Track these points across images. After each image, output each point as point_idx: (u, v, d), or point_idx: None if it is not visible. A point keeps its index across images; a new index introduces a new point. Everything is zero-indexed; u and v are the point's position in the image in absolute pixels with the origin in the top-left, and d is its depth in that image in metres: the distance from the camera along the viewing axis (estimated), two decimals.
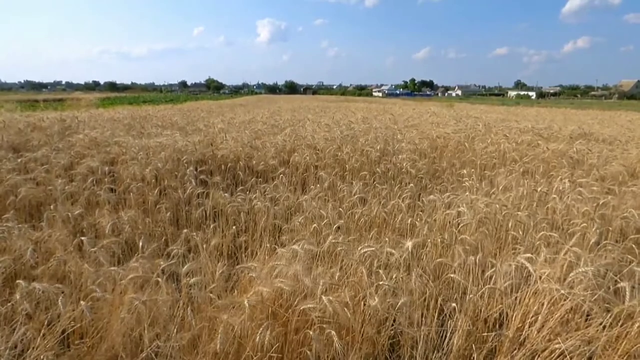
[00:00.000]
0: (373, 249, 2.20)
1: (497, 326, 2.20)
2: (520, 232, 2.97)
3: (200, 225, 3.60)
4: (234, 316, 1.76)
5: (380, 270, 2.19)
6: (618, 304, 1.87)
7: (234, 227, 3.35)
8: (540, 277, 2.05)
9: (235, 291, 2.24)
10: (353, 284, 2.09)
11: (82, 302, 1.86)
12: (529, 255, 2.20)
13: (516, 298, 2.12)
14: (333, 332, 1.69)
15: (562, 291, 1.90)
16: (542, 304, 1.97)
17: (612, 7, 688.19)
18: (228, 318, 1.74)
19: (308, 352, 1.80)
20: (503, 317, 2.20)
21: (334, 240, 2.40)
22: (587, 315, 1.95)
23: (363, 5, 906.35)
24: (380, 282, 2.04)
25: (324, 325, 1.78)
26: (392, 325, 2.08)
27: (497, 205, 3.18)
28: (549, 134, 8.54)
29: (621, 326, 1.83)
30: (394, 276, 2.19)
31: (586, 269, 1.95)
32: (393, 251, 2.25)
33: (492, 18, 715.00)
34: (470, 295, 2.15)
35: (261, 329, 1.70)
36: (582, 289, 1.92)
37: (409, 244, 2.26)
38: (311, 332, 1.75)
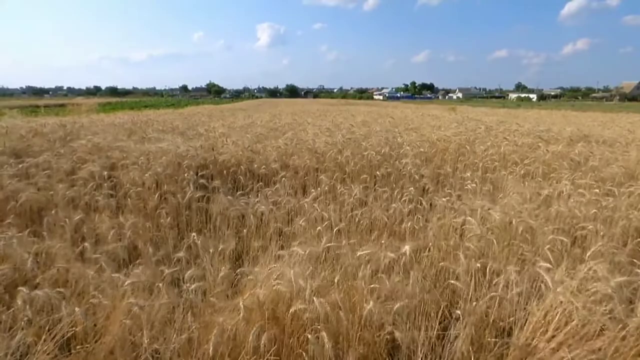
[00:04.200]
0: (370, 251, 2.19)
1: (503, 334, 2.17)
2: (524, 236, 2.95)
3: (201, 229, 3.60)
4: (230, 319, 1.76)
5: (380, 274, 2.18)
6: (631, 315, 1.86)
7: (235, 231, 3.35)
8: (553, 288, 2.02)
9: (237, 295, 2.23)
10: (349, 287, 2.07)
11: (76, 309, 1.86)
12: (546, 265, 2.18)
13: (526, 307, 2.10)
14: (324, 334, 1.68)
15: (577, 304, 1.87)
16: (555, 316, 1.95)
17: (610, 9, 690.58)
18: (223, 321, 1.73)
19: (304, 353, 1.79)
20: (508, 326, 2.18)
21: (334, 244, 2.39)
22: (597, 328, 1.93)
23: (361, 9, 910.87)
24: (377, 286, 2.03)
25: (319, 327, 1.77)
26: (391, 329, 2.06)
27: (498, 207, 3.17)
28: (550, 136, 8.53)
29: (632, 338, 1.82)
30: (395, 280, 2.18)
31: (603, 285, 1.92)
32: (392, 255, 2.24)
33: (489, 21, 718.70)
34: (474, 303, 2.13)
35: (254, 330, 1.69)
36: (594, 302, 1.90)
37: (406, 247, 2.26)
38: (309, 336, 1.74)
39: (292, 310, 1.83)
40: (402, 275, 2.26)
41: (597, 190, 3.86)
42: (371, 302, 1.86)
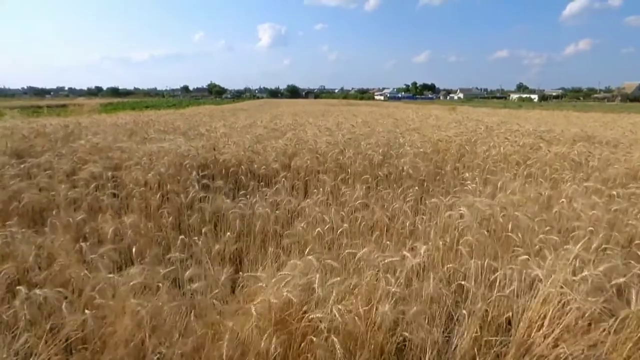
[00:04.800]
0: (396, 259, 2.18)
1: (504, 331, 2.18)
2: (521, 235, 2.94)
3: (203, 230, 3.60)
4: (239, 323, 1.75)
5: (387, 275, 2.17)
6: (624, 307, 1.86)
7: (235, 232, 3.35)
8: (545, 281, 2.04)
9: (241, 298, 2.22)
10: (365, 291, 2.06)
11: (86, 311, 1.86)
12: (536, 259, 2.19)
13: (523, 303, 2.11)
14: (334, 339, 1.68)
15: (573, 296, 1.88)
16: (549, 310, 1.96)
17: (612, 9, 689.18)
18: (233, 325, 1.73)
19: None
20: (509, 322, 2.19)
21: (350, 251, 2.38)
22: (591, 320, 1.93)
23: (362, 9, 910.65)
24: (392, 289, 2.02)
25: (329, 334, 1.76)
26: (400, 330, 2.06)
27: (498, 208, 3.17)
28: (551, 137, 8.51)
29: (627, 330, 1.82)
30: (402, 282, 2.17)
31: (591, 273, 1.94)
32: (408, 254, 2.23)
33: (490, 21, 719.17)
34: (480, 304, 2.13)
35: (266, 335, 1.69)
36: (586, 293, 1.91)
37: (422, 248, 2.26)
38: (313, 338, 1.74)
39: (302, 315, 1.83)
40: (413, 277, 2.26)
41: (606, 192, 3.84)
42: (387, 306, 1.85)
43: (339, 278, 2.08)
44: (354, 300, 1.94)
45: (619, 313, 1.85)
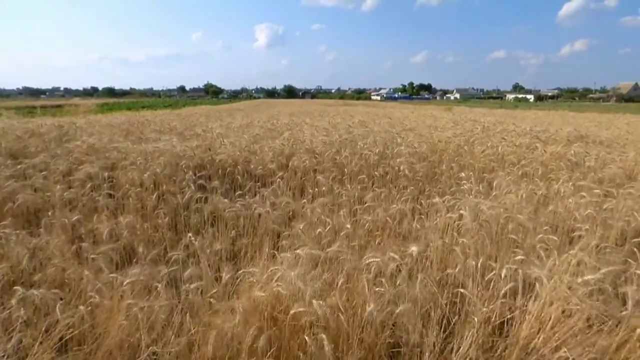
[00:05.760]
0: (378, 259, 2.17)
1: (504, 334, 2.17)
2: (521, 236, 2.95)
3: (199, 230, 3.59)
4: (228, 321, 1.75)
5: (381, 277, 2.17)
6: (621, 310, 1.86)
7: (233, 232, 3.34)
8: (547, 284, 2.03)
9: (235, 296, 2.22)
10: (351, 290, 2.06)
11: (80, 307, 1.85)
12: (536, 260, 2.19)
13: (523, 305, 2.10)
14: (324, 336, 1.67)
15: (577, 300, 1.88)
16: (551, 314, 1.95)
17: (609, 10, 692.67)
18: (222, 323, 1.72)
19: (302, 354, 1.78)
20: (507, 325, 2.18)
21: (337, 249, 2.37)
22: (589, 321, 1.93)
23: (360, 10, 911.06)
24: (382, 290, 2.01)
25: (318, 331, 1.76)
26: (392, 332, 2.05)
27: (501, 210, 3.16)
28: (547, 137, 8.55)
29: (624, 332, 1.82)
30: (397, 282, 2.16)
31: (593, 277, 1.94)
32: (396, 256, 2.22)
33: (488, 21, 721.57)
34: (479, 306, 2.12)
35: (251, 331, 1.69)
36: (586, 296, 1.90)
37: (413, 249, 2.25)
38: (306, 338, 1.73)
39: (291, 312, 1.82)
40: (406, 278, 2.25)
41: (597, 191, 3.85)
42: (372, 305, 1.84)
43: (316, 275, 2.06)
44: (336, 297, 1.93)
45: (618, 314, 1.85)
